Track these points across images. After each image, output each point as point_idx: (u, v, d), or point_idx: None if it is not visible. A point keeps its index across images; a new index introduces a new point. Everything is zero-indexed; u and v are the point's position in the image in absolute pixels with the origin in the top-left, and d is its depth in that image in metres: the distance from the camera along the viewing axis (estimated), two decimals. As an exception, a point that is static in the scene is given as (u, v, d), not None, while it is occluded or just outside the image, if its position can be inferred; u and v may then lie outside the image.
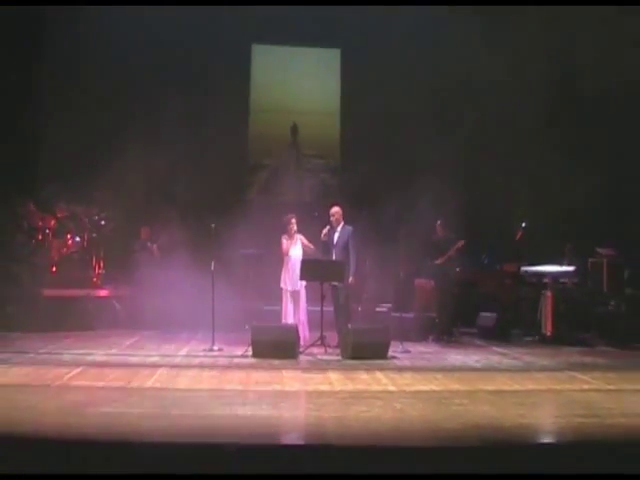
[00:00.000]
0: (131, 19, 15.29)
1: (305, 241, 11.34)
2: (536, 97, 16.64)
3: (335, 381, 8.36)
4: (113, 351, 10.46)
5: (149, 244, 14.12)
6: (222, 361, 9.75)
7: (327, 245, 11.33)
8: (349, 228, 11.35)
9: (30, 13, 14.97)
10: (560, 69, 15.55)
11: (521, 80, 16.25)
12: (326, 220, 11.47)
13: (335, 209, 11.45)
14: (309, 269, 10.83)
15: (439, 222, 13.09)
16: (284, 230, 11.41)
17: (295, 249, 11.31)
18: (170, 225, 13.86)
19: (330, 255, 11.26)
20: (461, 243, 12.89)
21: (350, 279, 11.05)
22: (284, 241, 11.35)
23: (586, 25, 14.04)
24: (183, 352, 10.57)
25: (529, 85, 16.49)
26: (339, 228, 11.33)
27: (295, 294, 11.28)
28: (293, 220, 11.38)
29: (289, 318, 11.21)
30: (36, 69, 15.52)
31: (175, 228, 13.86)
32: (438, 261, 12.89)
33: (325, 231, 11.28)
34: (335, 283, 11.03)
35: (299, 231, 11.40)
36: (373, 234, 11.67)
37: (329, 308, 11.12)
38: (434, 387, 8.08)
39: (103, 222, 13.97)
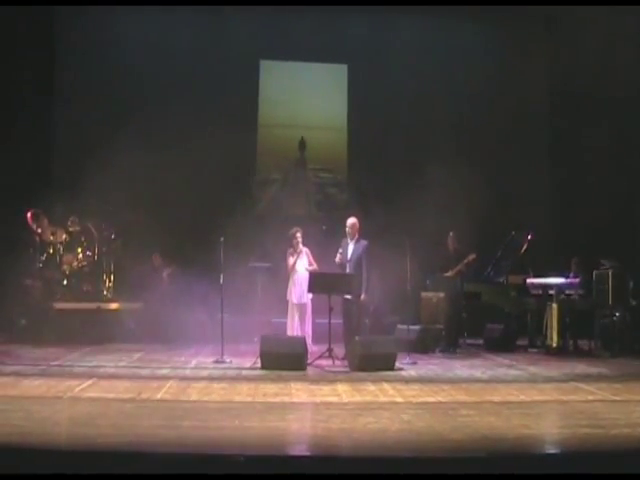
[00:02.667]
0: (140, 36, 15.51)
1: (310, 258, 11.39)
2: (545, 111, 16.79)
3: (343, 393, 8.40)
4: (123, 363, 10.52)
5: (159, 270, 14.22)
6: (231, 373, 9.79)
7: (342, 264, 11.25)
8: (364, 242, 11.24)
9: (42, 27, 15.21)
10: (569, 83, 15.65)
11: (530, 92, 16.38)
12: (333, 234, 11.53)
13: (352, 221, 11.33)
14: (318, 282, 10.89)
15: (451, 234, 13.14)
16: (289, 244, 11.49)
17: (301, 262, 11.39)
18: (181, 253, 14.02)
19: (344, 269, 11.26)
20: (472, 257, 12.90)
21: (362, 296, 11.02)
22: (289, 256, 11.43)
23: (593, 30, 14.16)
24: (192, 364, 10.61)
25: (538, 98, 16.63)
26: (354, 241, 11.25)
27: (301, 307, 11.36)
28: (298, 234, 11.46)
29: (295, 330, 11.29)
30: (48, 85, 15.70)
31: (186, 255, 13.97)
32: (448, 274, 12.97)
33: (339, 255, 11.19)
34: (347, 296, 11.07)
35: (306, 245, 11.47)
36: (380, 247, 11.72)
37: (337, 321, 11.17)
38: (441, 398, 8.11)
39: (113, 236, 14.10)
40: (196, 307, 12.61)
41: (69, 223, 13.81)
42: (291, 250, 11.42)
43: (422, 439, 6.23)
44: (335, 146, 16.80)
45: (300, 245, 11.41)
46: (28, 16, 14.19)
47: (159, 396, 8.01)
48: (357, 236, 11.29)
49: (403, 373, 10.02)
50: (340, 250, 11.19)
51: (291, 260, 11.39)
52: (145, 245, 14.41)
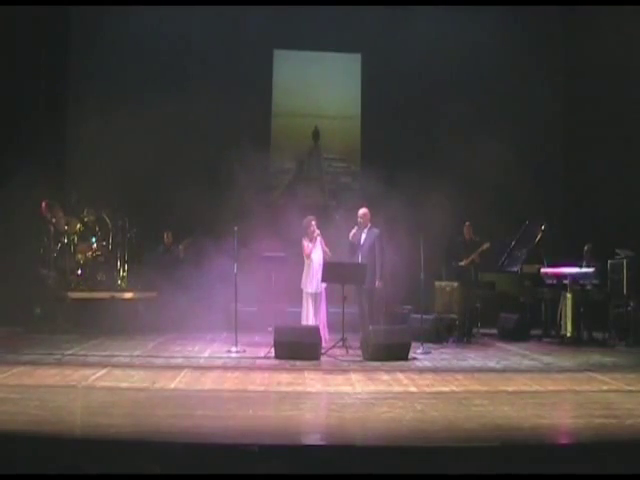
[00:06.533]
0: (154, 23, 15.48)
1: (323, 245, 11.43)
2: (560, 99, 16.70)
3: (356, 382, 8.41)
4: (137, 353, 10.53)
5: (173, 247, 14.27)
6: (245, 362, 9.81)
7: (353, 246, 11.41)
8: (376, 230, 11.42)
9: (56, 17, 15.25)
10: (586, 71, 15.57)
11: (546, 81, 16.31)
12: (347, 223, 11.56)
13: (363, 211, 11.54)
14: (331, 271, 10.89)
15: (467, 224, 13.20)
16: (305, 233, 11.50)
17: (316, 251, 11.40)
18: (192, 227, 14.08)
19: (356, 257, 11.35)
20: (486, 246, 12.93)
21: (377, 282, 11.15)
22: (305, 244, 11.43)
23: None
24: (206, 354, 10.64)
25: (554, 87, 16.55)
26: (366, 230, 11.42)
27: (316, 296, 11.36)
28: (313, 222, 11.46)
29: (309, 319, 11.28)
30: (63, 76, 15.72)
31: (197, 229, 14.05)
32: (462, 263, 12.98)
33: (353, 231, 11.38)
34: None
35: (320, 234, 11.47)
36: (394, 236, 11.71)
37: (350, 310, 11.18)
38: (454, 388, 8.12)
39: (127, 226, 14.13)
40: (210, 296, 12.63)
41: (85, 213, 13.86)
42: (307, 238, 11.43)
43: (436, 429, 6.23)
44: (349, 135, 16.78)
45: (315, 233, 11.42)
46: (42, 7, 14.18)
47: (173, 385, 8.04)
48: (369, 225, 11.43)
49: (417, 363, 10.02)
50: (353, 230, 11.32)
51: (307, 247, 11.38)
52: (158, 235, 14.47)
